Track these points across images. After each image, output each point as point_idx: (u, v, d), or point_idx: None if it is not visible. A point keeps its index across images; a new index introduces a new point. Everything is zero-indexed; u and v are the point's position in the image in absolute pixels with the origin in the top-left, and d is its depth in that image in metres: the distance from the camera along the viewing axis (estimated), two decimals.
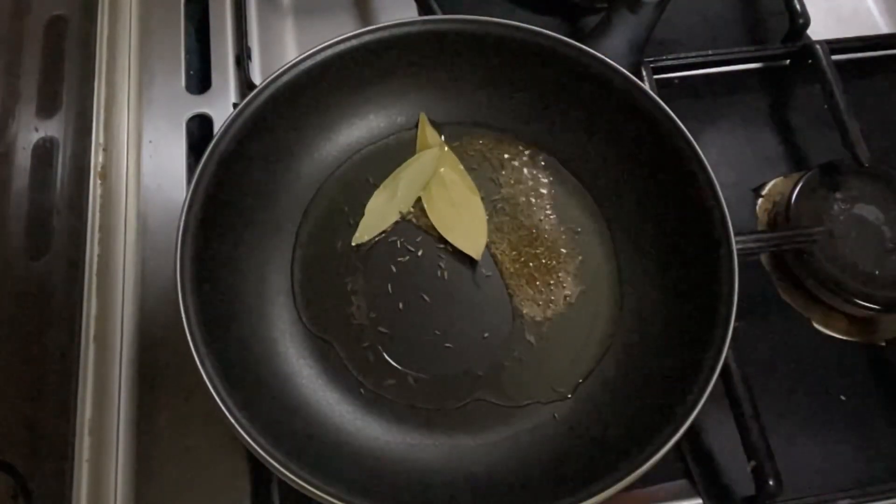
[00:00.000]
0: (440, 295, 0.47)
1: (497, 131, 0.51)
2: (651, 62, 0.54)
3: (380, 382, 0.44)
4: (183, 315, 0.39)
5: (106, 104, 0.55)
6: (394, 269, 0.47)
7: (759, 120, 0.57)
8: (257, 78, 0.55)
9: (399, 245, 0.48)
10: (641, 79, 0.52)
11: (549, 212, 0.49)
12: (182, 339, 0.39)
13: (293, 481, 0.37)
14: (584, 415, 0.44)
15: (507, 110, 0.50)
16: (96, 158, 0.52)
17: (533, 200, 0.50)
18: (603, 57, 0.46)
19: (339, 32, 0.46)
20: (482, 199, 0.49)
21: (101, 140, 0.53)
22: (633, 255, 0.48)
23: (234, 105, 0.53)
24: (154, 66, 0.56)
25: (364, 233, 0.48)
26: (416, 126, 0.50)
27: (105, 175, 0.52)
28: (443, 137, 0.50)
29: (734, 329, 0.40)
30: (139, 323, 0.48)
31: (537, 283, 0.47)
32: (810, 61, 0.56)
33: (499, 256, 0.48)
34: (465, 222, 0.48)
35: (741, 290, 0.41)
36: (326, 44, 0.46)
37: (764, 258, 0.52)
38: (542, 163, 0.50)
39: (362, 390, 0.44)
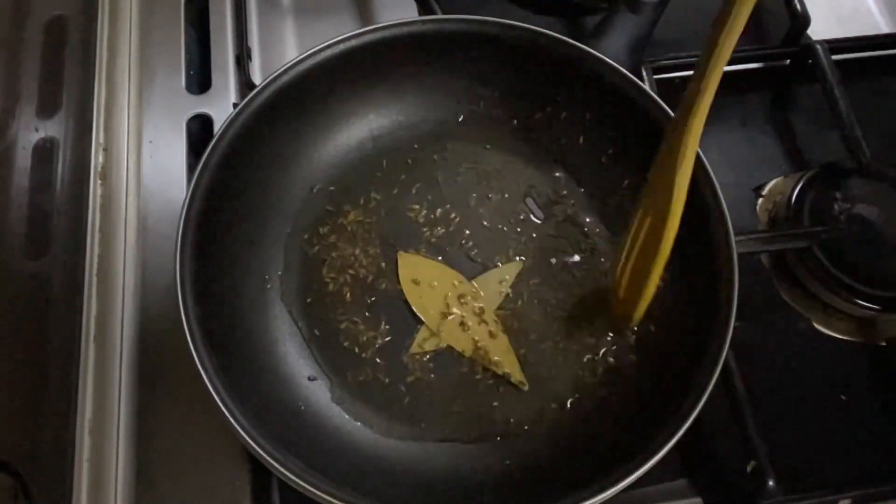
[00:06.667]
0: None
1: (493, 132, 0.51)
2: (651, 62, 0.54)
3: (379, 386, 0.45)
4: (183, 315, 0.39)
5: (106, 104, 0.55)
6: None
7: (759, 120, 0.57)
8: (257, 78, 0.55)
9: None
10: (641, 79, 0.52)
11: (544, 215, 0.49)
12: (182, 340, 0.39)
13: (293, 481, 0.37)
14: (584, 415, 0.44)
15: (506, 111, 0.50)
16: (96, 158, 0.52)
17: (527, 206, 0.50)
18: (603, 57, 0.46)
19: (339, 32, 0.46)
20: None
21: (101, 140, 0.53)
22: None
23: (234, 105, 0.53)
24: (154, 66, 0.56)
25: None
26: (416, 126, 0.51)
27: (105, 175, 0.52)
28: None
29: (734, 329, 0.40)
30: (139, 323, 0.48)
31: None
32: (810, 61, 0.56)
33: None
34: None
35: (741, 290, 0.41)
36: (326, 44, 0.46)
37: (764, 258, 0.52)
38: (538, 166, 0.50)
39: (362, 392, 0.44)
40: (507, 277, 0.47)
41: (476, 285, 0.47)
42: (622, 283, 0.44)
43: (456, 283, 0.47)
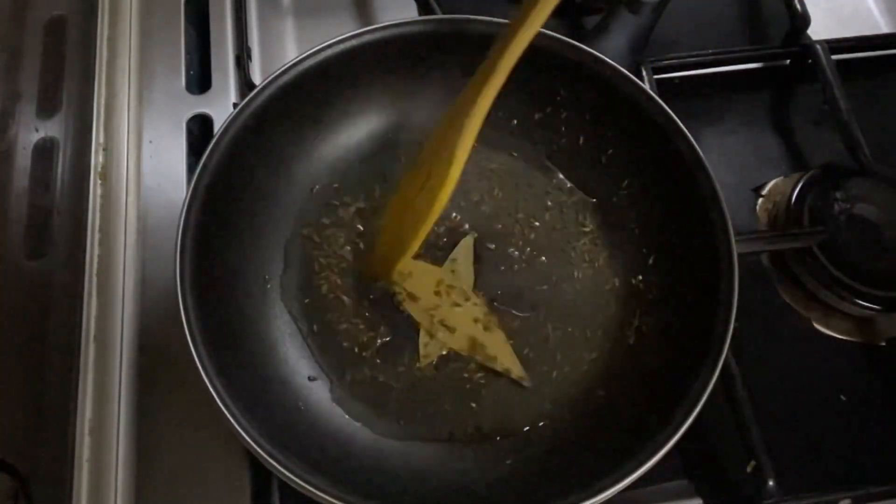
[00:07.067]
0: None
1: (494, 132, 0.51)
2: (651, 62, 0.54)
3: (379, 386, 0.45)
4: (183, 315, 0.39)
5: (106, 104, 0.55)
6: None
7: (759, 120, 0.57)
8: (257, 78, 0.55)
9: None
10: (641, 79, 0.52)
11: (544, 214, 0.49)
12: (182, 340, 0.38)
13: (293, 481, 0.37)
14: (584, 415, 0.44)
15: (506, 111, 0.50)
16: (96, 158, 0.52)
17: (528, 205, 0.50)
18: (603, 57, 0.46)
19: (339, 32, 0.46)
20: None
21: (101, 140, 0.53)
22: (633, 255, 0.48)
23: (234, 105, 0.53)
24: (154, 66, 0.56)
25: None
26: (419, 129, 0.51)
27: (105, 175, 0.52)
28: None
29: (734, 329, 0.40)
30: (139, 323, 0.48)
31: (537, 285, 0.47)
32: (810, 61, 0.56)
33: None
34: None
35: (741, 290, 0.41)
36: (326, 44, 0.46)
37: (764, 258, 0.52)
38: (538, 166, 0.50)
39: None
40: (462, 254, 0.48)
41: (450, 269, 0.47)
42: (389, 232, 0.45)
43: (435, 274, 0.47)
